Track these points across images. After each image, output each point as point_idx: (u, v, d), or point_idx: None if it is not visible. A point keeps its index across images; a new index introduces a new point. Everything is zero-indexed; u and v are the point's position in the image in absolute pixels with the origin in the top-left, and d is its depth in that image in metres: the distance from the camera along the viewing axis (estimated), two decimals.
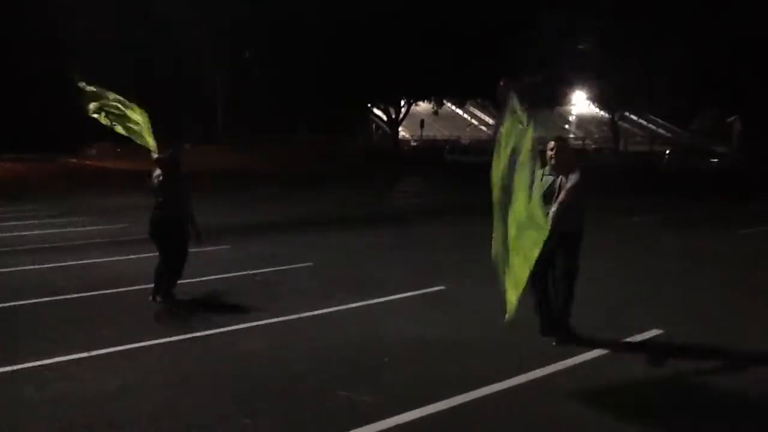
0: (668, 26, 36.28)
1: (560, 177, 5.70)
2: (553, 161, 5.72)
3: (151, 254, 10.28)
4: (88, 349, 5.69)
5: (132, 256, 10.23)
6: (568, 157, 5.79)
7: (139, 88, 42.05)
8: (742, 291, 8.01)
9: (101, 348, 5.75)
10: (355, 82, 42.66)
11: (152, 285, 7.40)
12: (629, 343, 5.89)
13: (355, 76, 41.89)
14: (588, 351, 5.63)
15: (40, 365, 5.37)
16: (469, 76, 42.48)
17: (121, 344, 5.85)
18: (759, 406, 4.67)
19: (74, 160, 42.03)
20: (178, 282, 7.54)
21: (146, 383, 5.02)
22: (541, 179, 5.57)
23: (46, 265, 9.58)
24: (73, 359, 5.51)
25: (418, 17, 40.34)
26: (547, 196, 5.60)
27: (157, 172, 7.42)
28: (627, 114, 60.39)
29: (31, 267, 9.50)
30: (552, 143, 5.79)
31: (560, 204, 5.60)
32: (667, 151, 40.27)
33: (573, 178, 5.65)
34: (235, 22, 42.55)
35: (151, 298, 7.33)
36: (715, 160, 36.69)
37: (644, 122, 74.22)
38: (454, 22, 40.61)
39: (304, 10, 40.81)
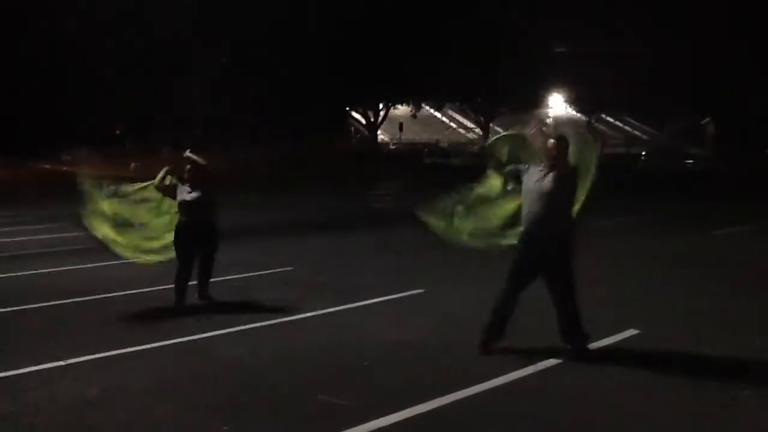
0: (644, 31, 36.79)
1: (551, 173, 5.59)
2: (552, 159, 5.60)
3: (126, 261, 10.21)
4: (64, 358, 5.64)
5: (108, 263, 10.13)
6: (565, 157, 5.71)
7: (117, 90, 41.64)
8: (717, 292, 8.13)
9: (77, 356, 5.68)
10: (333, 86, 42.65)
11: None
12: (606, 343, 5.94)
13: (333, 79, 41.89)
14: (565, 352, 5.68)
15: (15, 374, 5.30)
16: (447, 79, 42.71)
17: (96, 352, 5.79)
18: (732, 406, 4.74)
19: (48, 166, 41.52)
20: (158, 289, 7.52)
21: (122, 391, 4.98)
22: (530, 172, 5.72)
23: (21, 273, 9.46)
24: (49, 368, 5.44)
25: (395, 21, 40.52)
26: (531, 192, 5.60)
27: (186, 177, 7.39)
28: (603, 116, 61.05)
29: (8, 275, 9.37)
30: (553, 141, 5.67)
31: (566, 202, 5.60)
32: (644, 153, 40.73)
33: (568, 177, 5.60)
34: (210, 27, 42.27)
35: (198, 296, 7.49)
36: (690, 161, 37.18)
37: (620, 124, 75.03)
38: (432, 25, 40.84)
39: (282, 13, 40.74)
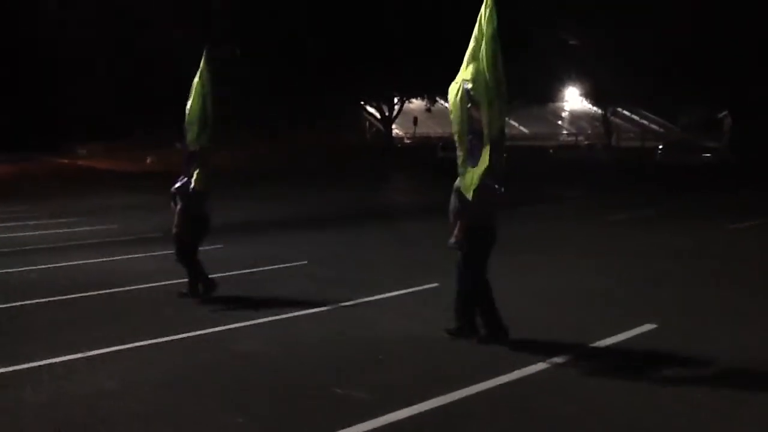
0: (661, 24, 36.37)
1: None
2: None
3: (144, 255, 10.31)
4: (85, 350, 5.70)
5: (125, 257, 10.23)
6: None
7: (123, 88, 41.79)
8: (733, 286, 8.06)
9: (97, 349, 5.75)
10: (348, 80, 42.62)
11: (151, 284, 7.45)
12: (622, 338, 5.91)
13: (347, 74, 41.86)
14: (580, 346, 5.68)
15: (37, 366, 5.37)
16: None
17: (116, 345, 5.86)
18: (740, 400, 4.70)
19: (65, 161, 41.92)
20: (173, 282, 7.59)
21: (141, 383, 5.03)
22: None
23: (41, 266, 9.56)
24: (69, 360, 5.51)
25: (410, 15, 40.38)
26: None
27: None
28: (619, 110, 60.58)
29: (27, 268, 9.47)
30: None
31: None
32: (660, 147, 40.36)
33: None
34: (217, 17, 42.34)
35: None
36: (707, 155, 36.79)
37: (636, 118, 74.38)
38: (445, 18, 40.63)
39: (295, 5, 40.77)
